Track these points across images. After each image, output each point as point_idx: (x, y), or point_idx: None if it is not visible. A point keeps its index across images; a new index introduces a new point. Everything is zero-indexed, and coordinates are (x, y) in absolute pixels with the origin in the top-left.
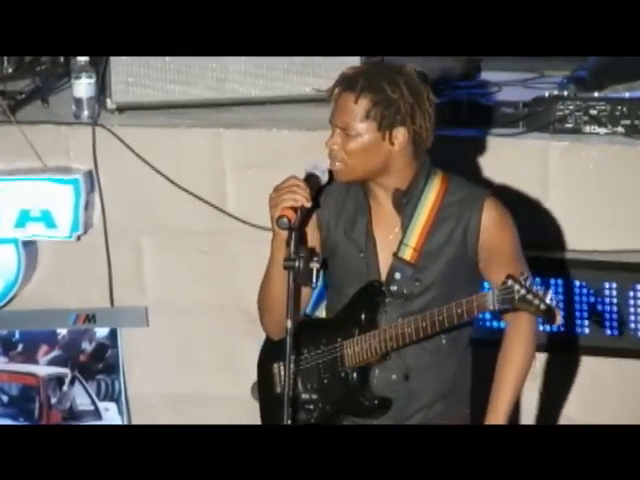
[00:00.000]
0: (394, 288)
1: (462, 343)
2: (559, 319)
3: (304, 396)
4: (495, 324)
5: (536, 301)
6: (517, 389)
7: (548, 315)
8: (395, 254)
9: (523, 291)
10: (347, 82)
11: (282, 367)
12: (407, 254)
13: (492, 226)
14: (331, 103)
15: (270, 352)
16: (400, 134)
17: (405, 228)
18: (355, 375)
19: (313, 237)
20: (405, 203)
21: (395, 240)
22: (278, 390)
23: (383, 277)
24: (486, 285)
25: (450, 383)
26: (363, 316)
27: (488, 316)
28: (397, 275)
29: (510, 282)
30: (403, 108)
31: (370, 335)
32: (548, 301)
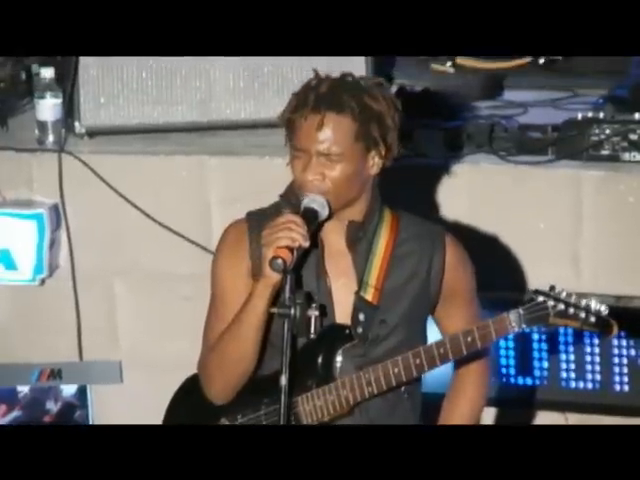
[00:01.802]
0: (360, 330)
1: (418, 398)
2: (615, 330)
3: None
4: None
5: (582, 314)
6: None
7: (602, 328)
8: (357, 293)
9: (561, 306)
10: (329, 101)
11: None
12: (369, 293)
13: (456, 264)
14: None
15: (191, 416)
16: (381, 153)
17: (362, 265)
18: None
19: (247, 282)
20: (361, 237)
21: (349, 280)
22: None
23: (338, 321)
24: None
25: None
26: (320, 364)
27: None
28: (361, 316)
29: (541, 298)
30: (387, 123)
31: (337, 384)
32: (595, 310)
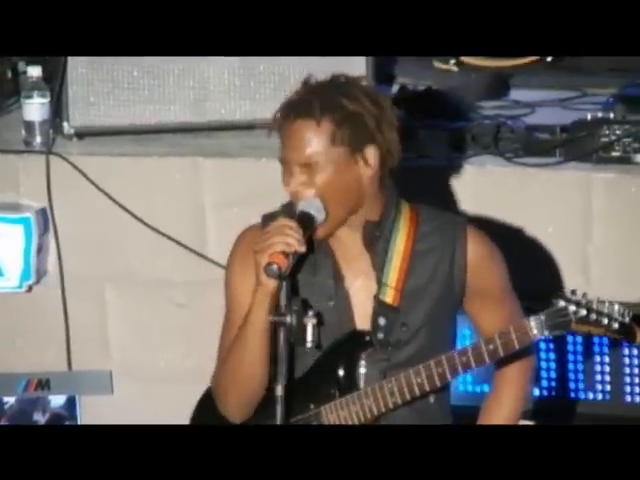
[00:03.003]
0: (380, 336)
1: (447, 404)
2: None
3: None
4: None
5: (605, 320)
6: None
7: (626, 334)
8: (376, 296)
9: (583, 311)
10: (298, 108)
11: None
12: (388, 296)
13: (481, 257)
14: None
15: None
16: (371, 154)
17: (380, 266)
18: None
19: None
20: (378, 236)
21: (368, 282)
22: None
23: (358, 326)
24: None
25: None
26: (342, 373)
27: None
28: (381, 321)
29: (562, 303)
30: (369, 123)
31: (360, 394)
32: (619, 316)
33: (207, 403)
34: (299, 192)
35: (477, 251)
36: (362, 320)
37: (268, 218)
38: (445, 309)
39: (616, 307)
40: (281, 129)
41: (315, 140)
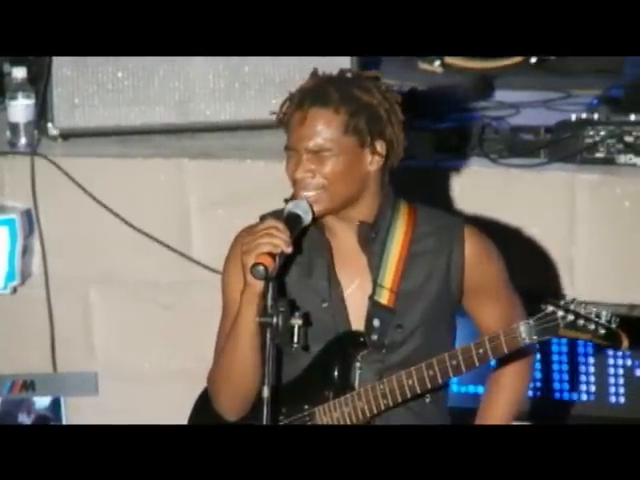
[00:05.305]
0: (374, 337)
1: (443, 403)
2: (626, 343)
3: None
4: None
5: (591, 326)
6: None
7: (611, 340)
8: (371, 297)
9: (571, 317)
10: (314, 95)
11: None
12: (384, 297)
13: (478, 257)
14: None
15: None
16: (379, 147)
17: (376, 267)
18: None
19: None
20: (373, 237)
21: (364, 283)
22: None
23: (354, 327)
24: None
25: None
26: (336, 374)
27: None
28: (376, 322)
29: (551, 308)
30: (382, 115)
31: (354, 396)
32: (605, 322)
33: (204, 402)
34: (306, 180)
35: (474, 250)
36: (358, 321)
37: (266, 218)
38: (442, 310)
39: (604, 313)
40: (291, 117)
41: (329, 128)
